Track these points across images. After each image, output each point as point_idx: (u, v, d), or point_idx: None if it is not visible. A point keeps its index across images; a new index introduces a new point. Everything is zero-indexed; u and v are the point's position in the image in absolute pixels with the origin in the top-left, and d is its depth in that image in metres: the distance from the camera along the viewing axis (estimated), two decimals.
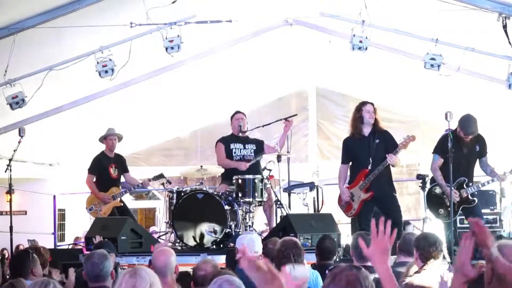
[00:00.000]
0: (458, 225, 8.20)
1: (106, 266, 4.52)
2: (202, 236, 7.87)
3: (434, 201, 8.04)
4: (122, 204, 9.34)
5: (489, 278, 2.75)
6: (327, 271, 4.58)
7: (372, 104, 7.96)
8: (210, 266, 4.40)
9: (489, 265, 2.76)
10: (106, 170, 9.28)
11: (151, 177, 9.37)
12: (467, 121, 7.68)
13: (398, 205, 7.97)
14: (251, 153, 8.62)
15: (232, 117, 8.80)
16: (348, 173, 8.14)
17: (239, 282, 3.29)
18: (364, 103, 7.98)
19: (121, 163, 9.51)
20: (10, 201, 8.96)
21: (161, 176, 9.37)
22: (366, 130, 7.92)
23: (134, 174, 14.61)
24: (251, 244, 5.47)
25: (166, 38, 8.29)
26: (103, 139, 9.37)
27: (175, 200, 8.20)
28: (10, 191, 8.72)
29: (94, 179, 9.31)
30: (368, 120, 7.84)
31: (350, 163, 8.10)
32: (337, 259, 5.99)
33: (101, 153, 9.40)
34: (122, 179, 9.57)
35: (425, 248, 4.71)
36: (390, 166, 7.88)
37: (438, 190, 7.98)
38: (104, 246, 6.21)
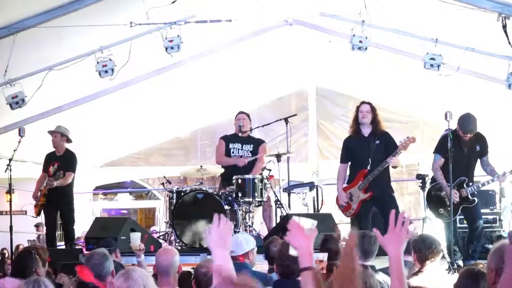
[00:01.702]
0: (458, 225, 8.20)
1: (106, 267, 4.53)
2: (202, 236, 7.87)
3: (435, 201, 8.04)
4: (44, 202, 8.95)
5: (493, 279, 2.76)
6: (334, 269, 4.59)
7: (368, 103, 7.98)
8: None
9: (493, 266, 2.77)
10: (47, 169, 9.05)
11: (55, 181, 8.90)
12: (465, 119, 7.68)
13: (396, 205, 7.99)
14: (248, 154, 8.67)
15: (235, 117, 8.85)
16: (348, 173, 8.16)
17: None
18: (360, 103, 8.04)
19: (63, 162, 9.02)
20: (10, 201, 8.95)
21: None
22: (366, 131, 7.93)
23: (134, 174, 14.72)
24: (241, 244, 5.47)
25: (166, 38, 8.30)
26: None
27: (175, 200, 8.21)
28: (10, 191, 8.71)
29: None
30: (361, 119, 7.87)
31: (349, 163, 8.11)
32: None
33: (52, 151, 9.18)
34: (124, 179, 9.47)
35: (422, 251, 4.75)
36: (389, 167, 7.89)
37: (438, 190, 7.98)
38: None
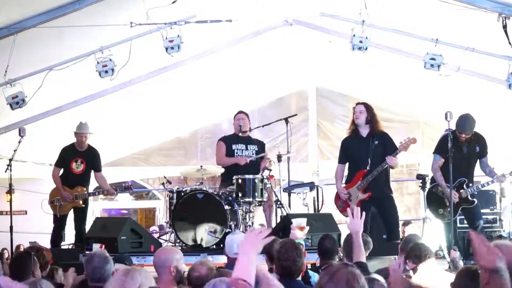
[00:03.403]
0: (458, 225, 8.21)
1: (107, 270, 4.52)
2: (202, 236, 7.87)
3: (434, 201, 8.04)
4: (83, 206, 8.97)
5: (486, 279, 2.77)
6: (320, 271, 4.61)
7: (362, 104, 7.98)
8: (205, 268, 4.39)
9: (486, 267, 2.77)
10: (68, 165, 8.94)
11: (117, 188, 9.02)
12: (461, 120, 7.69)
13: (395, 206, 8.00)
14: (253, 154, 8.65)
15: (234, 117, 8.84)
16: (346, 173, 8.16)
17: None
18: (355, 104, 8.04)
19: (90, 159, 8.97)
20: (10, 201, 8.95)
21: (129, 188, 9.16)
22: (364, 131, 7.92)
23: (134, 174, 14.71)
24: (229, 246, 5.49)
25: (166, 38, 8.30)
26: (74, 134, 9.03)
27: (175, 200, 8.20)
28: (10, 191, 8.70)
29: (61, 173, 9.02)
30: (355, 120, 7.88)
31: (348, 163, 8.10)
32: (337, 259, 6.01)
33: (70, 145, 9.05)
34: (125, 179, 9.43)
35: (421, 259, 4.74)
36: (389, 167, 7.89)
37: (438, 190, 7.98)
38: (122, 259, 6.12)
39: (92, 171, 9.10)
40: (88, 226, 8.83)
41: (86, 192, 8.95)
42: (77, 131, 9.01)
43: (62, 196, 8.91)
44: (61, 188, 8.93)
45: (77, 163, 8.97)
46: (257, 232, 2.90)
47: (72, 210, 9.05)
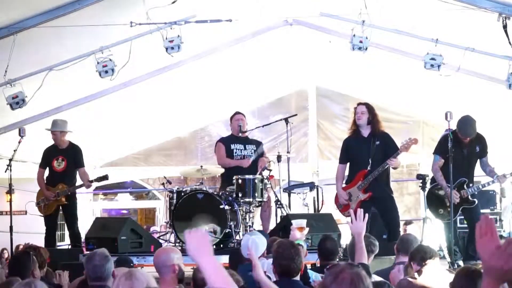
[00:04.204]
0: (458, 225, 8.20)
1: (107, 268, 4.51)
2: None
3: (434, 201, 8.03)
4: (67, 203, 8.78)
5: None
6: (325, 270, 4.61)
7: (364, 104, 7.98)
8: None
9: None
10: (50, 164, 8.83)
11: (92, 179, 8.76)
12: (464, 123, 7.65)
13: (395, 206, 8.00)
14: (251, 153, 8.64)
15: (231, 118, 8.83)
16: (346, 173, 8.16)
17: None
18: (357, 104, 8.04)
19: (71, 156, 8.80)
20: (10, 201, 8.94)
21: (104, 177, 8.90)
22: (365, 132, 7.93)
23: (134, 174, 14.72)
24: (244, 246, 5.46)
25: (166, 38, 8.30)
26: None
27: (175, 200, 8.20)
28: (10, 191, 8.69)
29: (47, 173, 8.92)
30: (357, 121, 7.88)
31: (348, 163, 8.11)
32: (337, 259, 6.01)
33: (52, 145, 8.94)
34: (125, 179, 9.38)
35: (426, 261, 4.74)
36: (389, 168, 7.89)
37: (438, 190, 7.97)
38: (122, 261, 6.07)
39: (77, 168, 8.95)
40: (88, 226, 8.82)
41: (66, 189, 8.77)
42: (50, 129, 8.87)
43: (45, 195, 8.82)
44: (44, 188, 8.85)
45: (58, 161, 8.84)
46: (197, 234, 2.71)
47: (61, 211, 9.00)
